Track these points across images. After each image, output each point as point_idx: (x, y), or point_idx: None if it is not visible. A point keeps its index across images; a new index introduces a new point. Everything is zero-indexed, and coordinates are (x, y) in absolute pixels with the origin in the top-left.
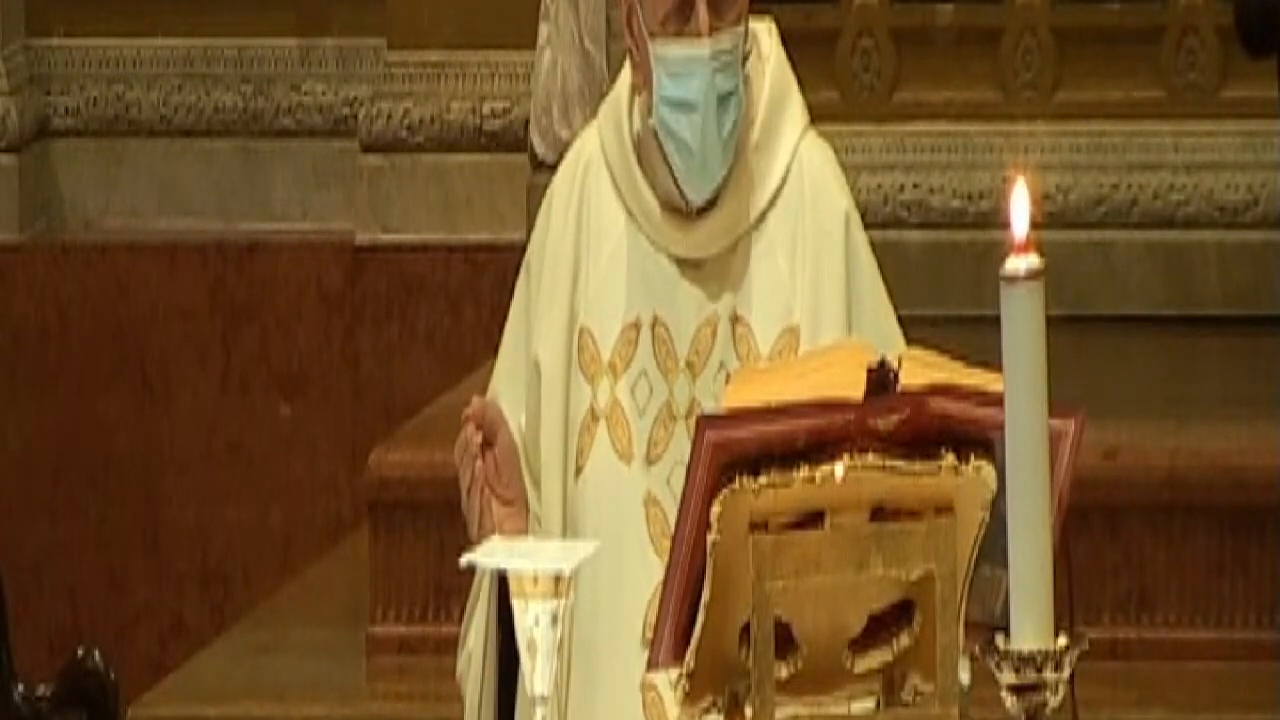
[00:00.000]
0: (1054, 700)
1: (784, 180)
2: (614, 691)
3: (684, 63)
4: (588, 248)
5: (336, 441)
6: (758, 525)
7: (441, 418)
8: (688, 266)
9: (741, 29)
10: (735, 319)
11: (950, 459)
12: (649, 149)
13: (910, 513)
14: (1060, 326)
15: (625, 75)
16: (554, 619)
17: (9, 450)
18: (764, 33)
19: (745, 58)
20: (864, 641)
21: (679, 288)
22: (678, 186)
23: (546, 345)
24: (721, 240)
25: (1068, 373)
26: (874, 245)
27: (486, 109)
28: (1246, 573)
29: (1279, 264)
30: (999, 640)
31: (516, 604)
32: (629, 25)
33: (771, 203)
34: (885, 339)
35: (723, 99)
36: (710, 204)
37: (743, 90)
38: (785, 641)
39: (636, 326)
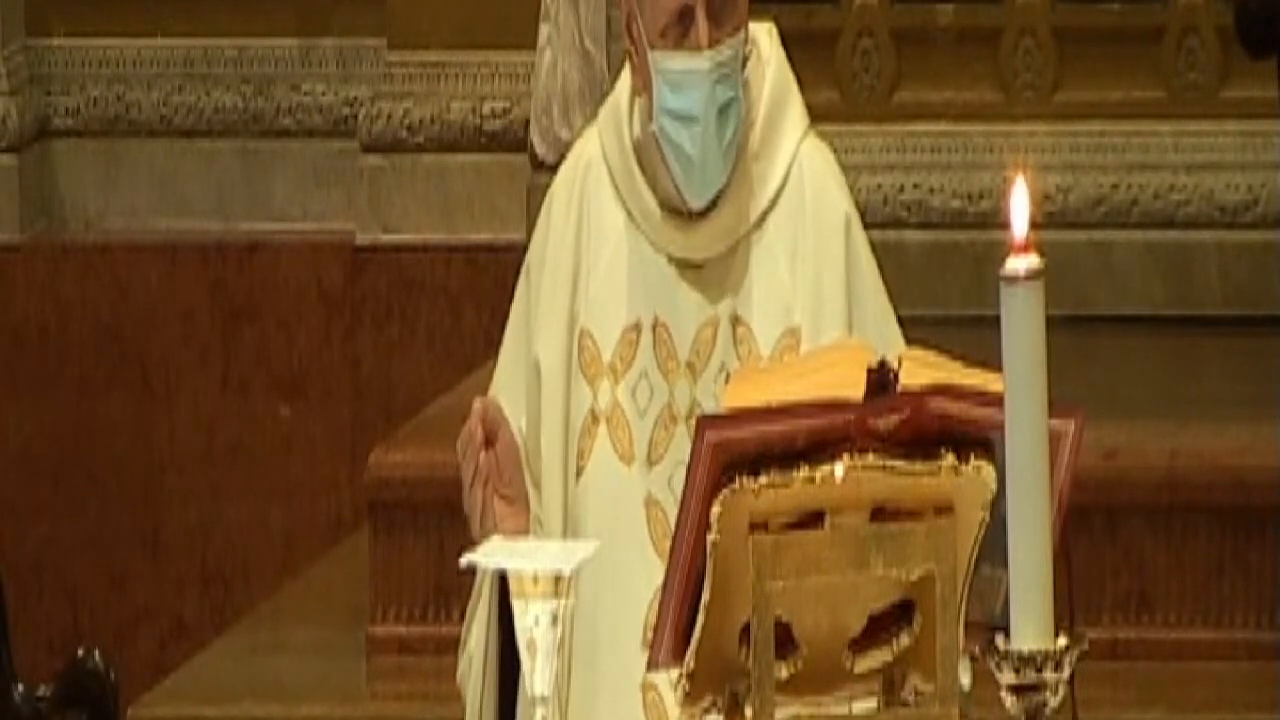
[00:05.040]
0: (1054, 700)
1: (784, 182)
2: (615, 692)
3: (684, 75)
4: (588, 249)
5: (336, 441)
6: (758, 525)
7: (441, 418)
8: (688, 268)
9: (741, 36)
10: (736, 320)
11: (950, 459)
12: (649, 152)
13: (910, 513)
14: (1060, 326)
15: (625, 77)
16: (554, 619)
17: (9, 450)
18: (764, 35)
19: (745, 61)
20: (864, 641)
21: (679, 289)
22: (678, 191)
23: (547, 347)
24: (721, 242)
25: (1068, 373)
26: (874, 245)
27: (486, 109)
28: (1246, 573)
29: (1279, 264)
30: (999, 640)
31: (516, 604)
32: (629, 31)
33: (772, 205)
34: (886, 341)
35: (723, 108)
36: (710, 206)
37: (742, 95)
38: (785, 641)
39: (637, 328)
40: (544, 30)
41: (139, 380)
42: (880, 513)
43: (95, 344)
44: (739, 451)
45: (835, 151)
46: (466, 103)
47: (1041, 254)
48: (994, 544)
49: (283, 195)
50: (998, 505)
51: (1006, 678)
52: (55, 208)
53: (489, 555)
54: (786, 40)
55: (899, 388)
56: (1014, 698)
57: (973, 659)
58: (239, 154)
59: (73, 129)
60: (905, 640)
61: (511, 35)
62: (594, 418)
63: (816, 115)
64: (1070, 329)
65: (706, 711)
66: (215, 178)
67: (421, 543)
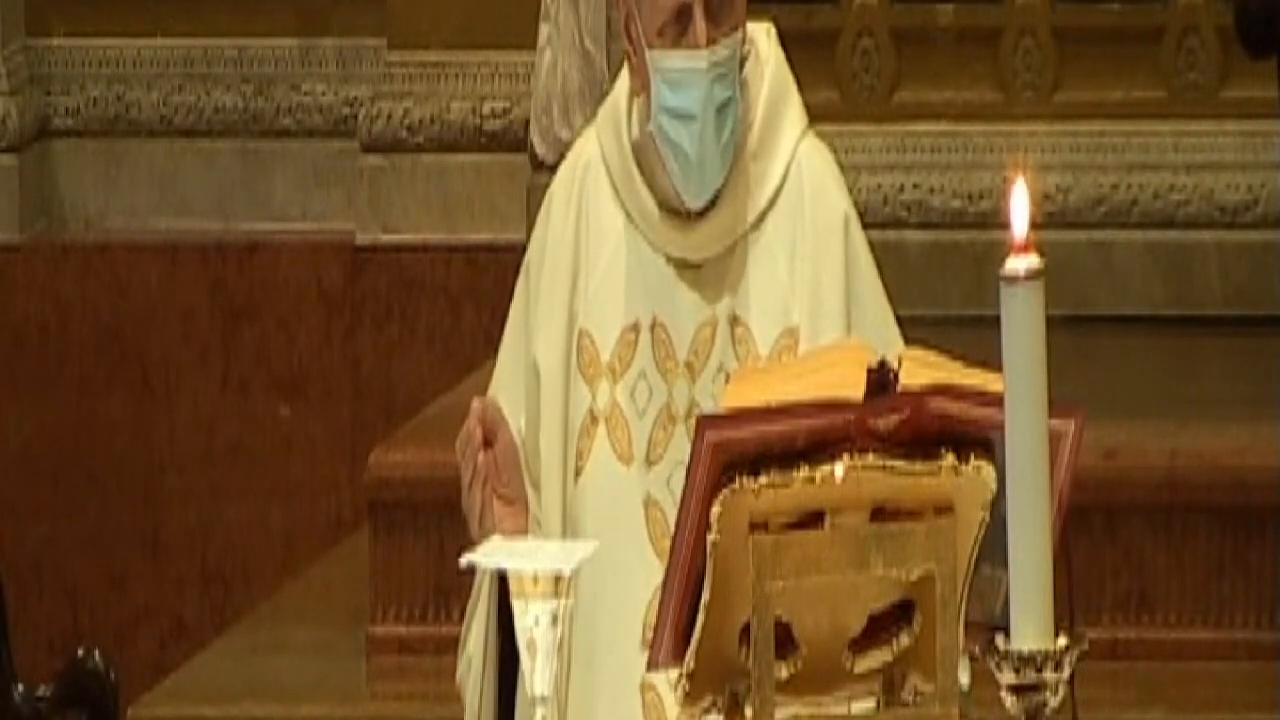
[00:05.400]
0: (1054, 700)
1: (782, 182)
2: (613, 692)
3: (682, 74)
4: (587, 250)
5: (336, 441)
6: (758, 525)
7: (441, 418)
8: (686, 268)
9: (739, 35)
10: (734, 320)
11: (950, 459)
12: (647, 152)
13: (910, 513)
14: (1060, 326)
15: (624, 78)
16: (554, 619)
17: (9, 450)
18: (762, 35)
19: (743, 61)
20: (864, 641)
21: (678, 290)
22: (676, 191)
23: (546, 348)
24: (719, 242)
25: (1068, 373)
26: (874, 245)
27: (486, 109)
28: (1246, 573)
29: (1279, 264)
30: (999, 640)
31: (516, 604)
32: (627, 31)
33: (770, 205)
34: (885, 341)
35: (721, 108)
36: (709, 206)
37: (740, 95)
38: (785, 641)
39: (636, 329)
40: (544, 30)
41: (139, 380)
42: (880, 513)
43: (95, 344)
44: (739, 451)
45: (835, 151)
46: (466, 103)
47: (1041, 254)
48: (994, 544)
49: (283, 195)
50: (998, 505)
51: (1006, 678)
52: (55, 208)
53: (489, 555)
54: (786, 40)
55: (899, 388)
56: (1014, 698)
57: (972, 659)
58: (239, 154)
59: (73, 129)
60: (905, 640)
61: (511, 35)
62: (593, 418)
63: (816, 115)
64: (1070, 329)
65: (706, 711)
66: (215, 178)
67: (421, 543)
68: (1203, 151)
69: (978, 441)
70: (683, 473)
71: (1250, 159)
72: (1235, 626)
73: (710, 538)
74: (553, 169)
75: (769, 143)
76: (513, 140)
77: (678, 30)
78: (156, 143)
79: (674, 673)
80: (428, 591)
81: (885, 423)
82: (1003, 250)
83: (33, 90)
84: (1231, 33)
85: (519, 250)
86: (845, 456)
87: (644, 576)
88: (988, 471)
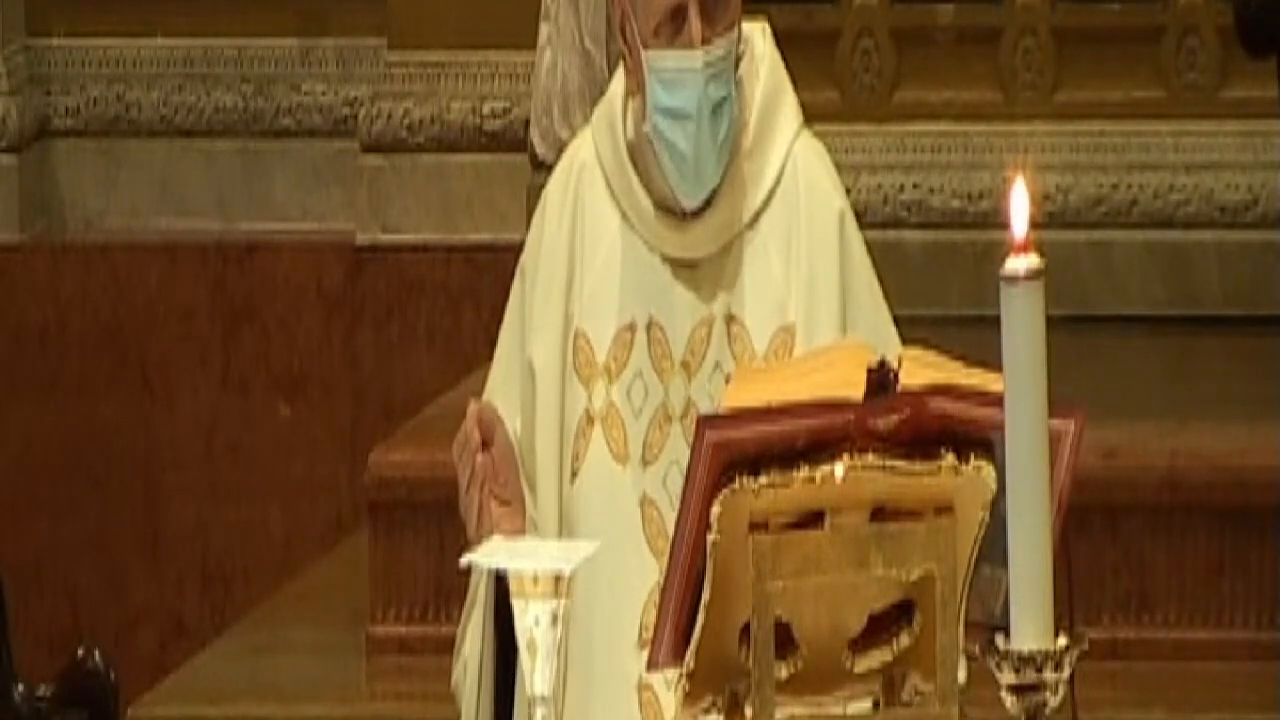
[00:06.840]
0: (1054, 700)
1: (778, 181)
2: (610, 692)
3: (677, 73)
4: (582, 251)
5: (336, 441)
6: (758, 525)
7: (441, 418)
8: (682, 267)
9: (734, 34)
10: (730, 319)
11: (950, 459)
12: (643, 152)
13: (910, 513)
14: (1060, 326)
15: (619, 78)
16: (554, 619)
17: (9, 450)
18: (758, 34)
19: (738, 61)
20: (864, 641)
21: (674, 289)
22: (672, 190)
23: (541, 348)
24: (715, 241)
25: (1068, 373)
26: (874, 245)
27: (486, 109)
28: (1246, 573)
29: (1279, 264)
30: (999, 640)
31: (517, 604)
32: (622, 31)
33: (765, 203)
34: (881, 338)
35: (716, 107)
36: (704, 205)
37: (735, 94)
38: (785, 641)
39: (632, 329)
40: (544, 30)
41: (139, 380)
42: (880, 513)
43: (95, 344)
44: (739, 451)
45: (834, 151)
46: (466, 103)
47: (1041, 254)
48: (994, 544)
49: (283, 195)
50: (998, 505)
51: (1006, 678)
52: (55, 208)
53: (489, 556)
54: (786, 40)
55: (899, 388)
56: (1014, 698)
57: (970, 658)
58: (239, 154)
59: (73, 129)
60: (905, 640)
61: (511, 35)
62: (589, 418)
63: (816, 115)
64: (1070, 329)
65: (706, 711)
66: (215, 178)
67: (421, 543)
68: (1203, 151)
69: (978, 441)
70: (678, 472)
71: (1250, 159)
72: (1235, 626)
73: (710, 538)
74: (552, 169)
75: (764, 141)
76: (513, 140)
77: (673, 30)
78: (156, 143)
79: (673, 672)
80: (428, 591)
81: (885, 423)
82: (1003, 250)
83: (33, 90)
84: (1231, 33)
85: (519, 250)
86: (845, 456)
87: (640, 576)
88: (988, 471)
